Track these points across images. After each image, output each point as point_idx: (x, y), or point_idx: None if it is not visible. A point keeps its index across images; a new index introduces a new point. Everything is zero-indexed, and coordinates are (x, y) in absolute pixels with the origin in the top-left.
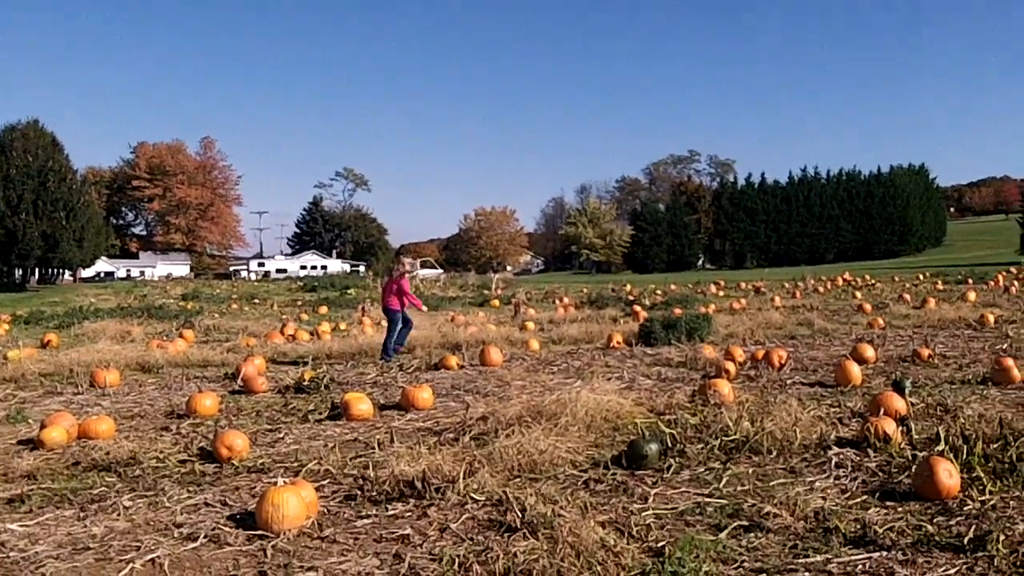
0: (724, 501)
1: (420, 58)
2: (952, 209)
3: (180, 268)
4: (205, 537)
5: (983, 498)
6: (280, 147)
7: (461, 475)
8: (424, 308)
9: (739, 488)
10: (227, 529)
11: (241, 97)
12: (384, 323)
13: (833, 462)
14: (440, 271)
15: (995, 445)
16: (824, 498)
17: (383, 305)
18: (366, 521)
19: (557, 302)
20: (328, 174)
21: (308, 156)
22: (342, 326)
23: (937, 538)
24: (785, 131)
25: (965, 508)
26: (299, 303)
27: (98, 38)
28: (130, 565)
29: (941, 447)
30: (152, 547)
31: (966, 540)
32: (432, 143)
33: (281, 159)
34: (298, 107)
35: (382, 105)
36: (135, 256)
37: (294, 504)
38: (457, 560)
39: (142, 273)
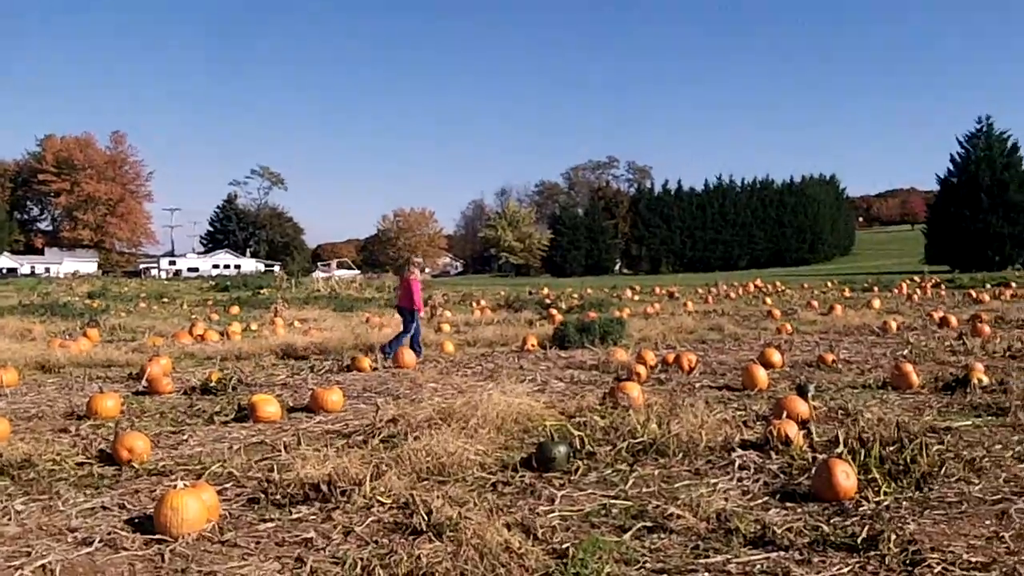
0: (629, 503)
1: (338, 56)
2: (861, 219)
3: (87, 265)
4: (100, 542)
5: (878, 499)
6: (194, 143)
7: (368, 478)
8: (423, 313)
9: (645, 490)
10: (124, 533)
11: (154, 91)
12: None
13: (736, 464)
14: (357, 272)
15: (891, 448)
16: (727, 499)
17: (396, 304)
18: (269, 525)
19: (474, 304)
20: (243, 171)
21: (223, 153)
22: (253, 327)
23: (833, 538)
24: (702, 139)
25: (861, 509)
26: (210, 303)
27: (5, 26)
28: (19, 572)
29: (840, 450)
30: (44, 553)
31: (860, 540)
32: (351, 143)
33: (195, 155)
34: (213, 103)
35: (300, 103)
36: (40, 252)
37: (194, 507)
38: (360, 563)
39: (47, 270)
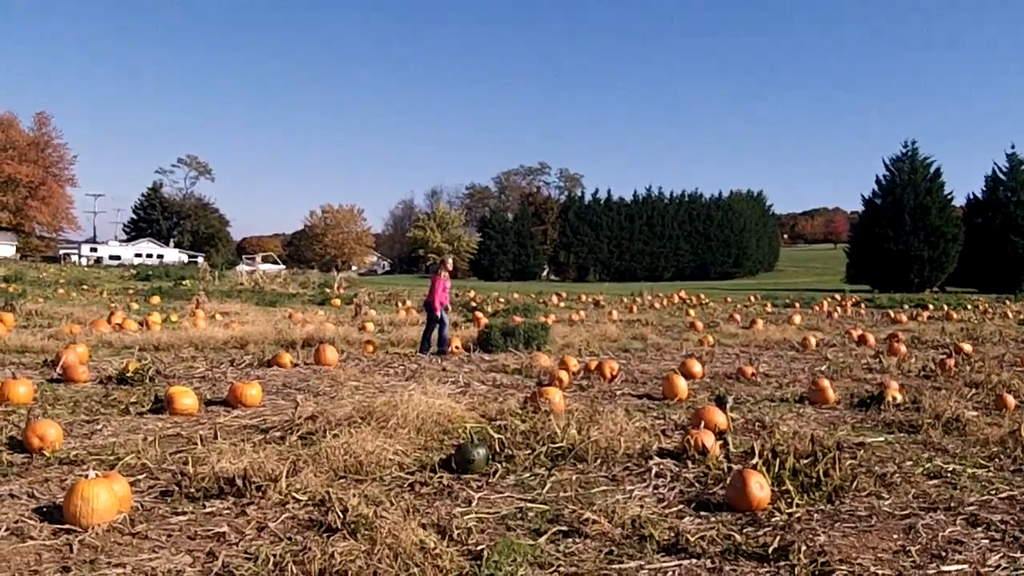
0: (546, 507)
1: (270, 49)
2: (786, 236)
3: (5, 249)
4: (7, 530)
5: (790, 510)
6: (121, 128)
7: (284, 474)
8: (440, 312)
9: (561, 494)
10: (32, 522)
11: (82, 73)
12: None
13: (653, 472)
14: (282, 267)
15: (805, 461)
16: (642, 506)
17: (426, 299)
18: (181, 518)
19: (399, 304)
20: (170, 160)
21: (150, 140)
22: (174, 317)
23: (744, 547)
24: (633, 150)
25: (773, 519)
26: (131, 292)
27: None
28: None
29: (755, 461)
30: None
31: (771, 550)
32: (282, 136)
33: (122, 141)
34: (142, 88)
35: (230, 92)
36: None
37: (105, 498)
38: (273, 559)
39: None
